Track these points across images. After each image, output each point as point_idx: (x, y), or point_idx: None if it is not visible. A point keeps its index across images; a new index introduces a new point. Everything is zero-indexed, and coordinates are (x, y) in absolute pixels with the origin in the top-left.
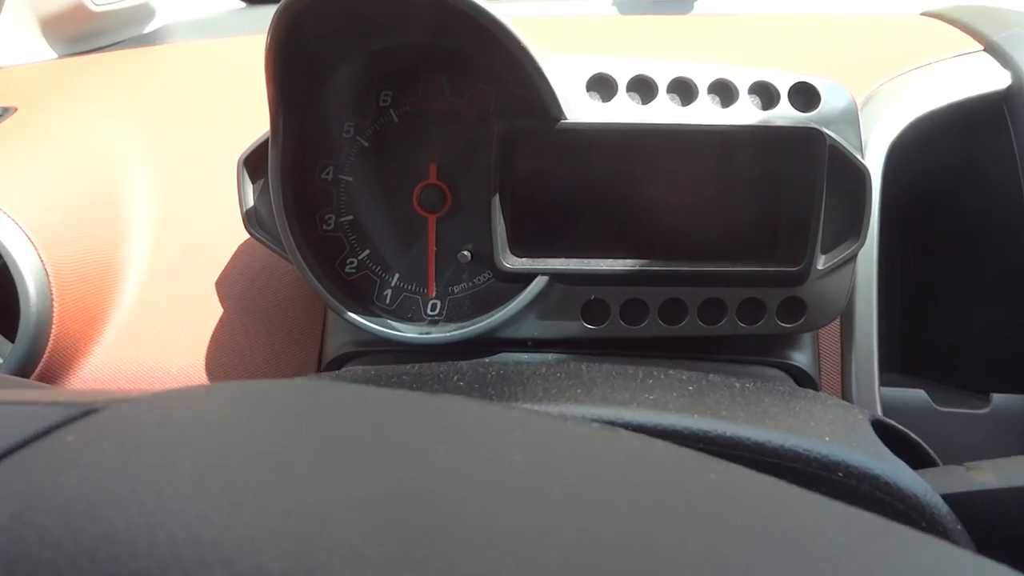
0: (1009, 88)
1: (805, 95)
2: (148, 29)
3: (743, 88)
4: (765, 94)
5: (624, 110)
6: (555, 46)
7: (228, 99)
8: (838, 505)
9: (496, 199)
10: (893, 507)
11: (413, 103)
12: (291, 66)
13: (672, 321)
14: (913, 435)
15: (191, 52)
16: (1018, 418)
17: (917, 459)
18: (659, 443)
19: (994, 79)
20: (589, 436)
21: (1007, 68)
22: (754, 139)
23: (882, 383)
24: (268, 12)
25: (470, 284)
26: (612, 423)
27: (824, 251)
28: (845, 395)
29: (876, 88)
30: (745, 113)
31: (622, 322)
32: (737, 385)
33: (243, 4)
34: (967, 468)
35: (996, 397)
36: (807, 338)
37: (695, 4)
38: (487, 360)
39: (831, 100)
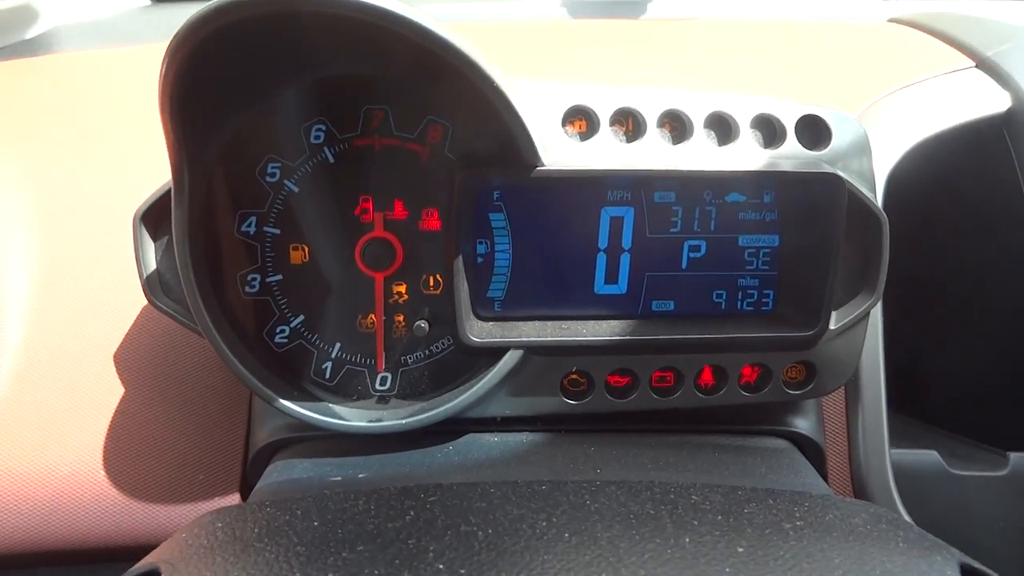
0: (1010, 110)
1: (813, 129)
2: (31, 34)
3: (743, 122)
4: (768, 129)
5: (607, 149)
6: (502, 53)
7: (128, 122)
8: None
9: (459, 261)
10: None
11: (352, 140)
12: (197, 104)
13: (665, 392)
14: None
15: (83, 63)
16: None
17: None
18: None
19: (992, 100)
20: None
21: (1006, 88)
22: (755, 180)
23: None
24: (180, 13)
25: (426, 353)
26: None
27: (834, 308)
28: (853, 461)
29: (866, 109)
30: (746, 151)
31: (608, 396)
32: (789, 528)
33: (148, 2)
34: None
35: (1014, 457)
36: (809, 401)
37: (648, 6)
38: (462, 490)
39: (841, 134)
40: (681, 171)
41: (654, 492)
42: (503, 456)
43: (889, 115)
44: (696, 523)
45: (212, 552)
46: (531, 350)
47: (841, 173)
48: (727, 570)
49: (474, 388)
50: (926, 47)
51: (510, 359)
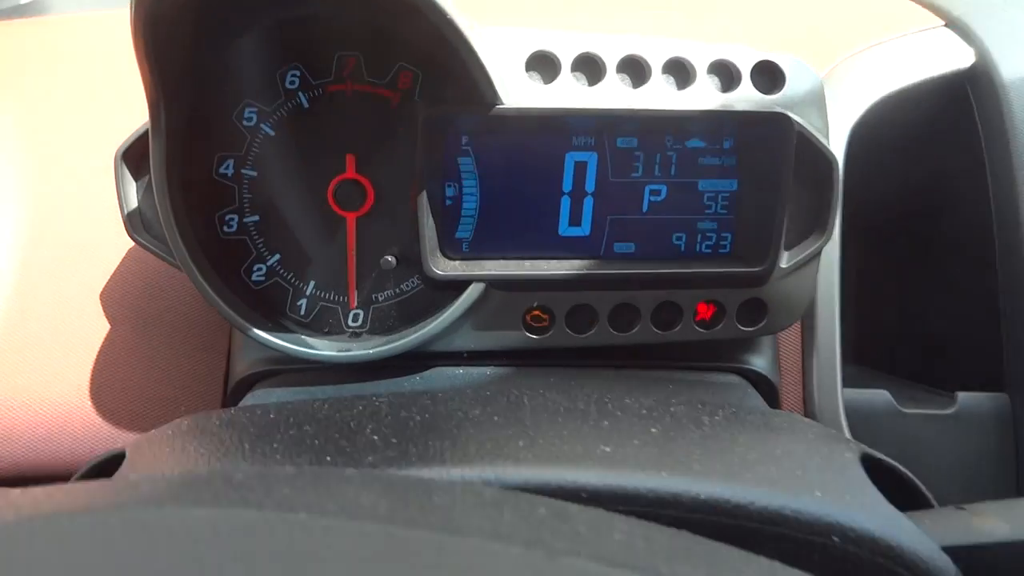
0: (973, 66)
1: (768, 75)
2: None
3: (701, 67)
4: (725, 74)
5: (568, 92)
6: (490, 13)
7: (118, 79)
8: None
9: (424, 196)
10: (890, 570)
11: (325, 85)
12: (169, 39)
13: (623, 327)
14: (903, 470)
15: (75, 24)
16: (985, 417)
17: (908, 495)
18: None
19: (957, 57)
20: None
21: (971, 45)
22: (713, 126)
23: (842, 377)
24: None
25: (396, 291)
26: (565, 490)
27: (787, 248)
28: (807, 399)
29: (834, 67)
30: (703, 95)
31: (568, 330)
32: (706, 420)
33: None
34: (969, 512)
35: (961, 396)
36: (766, 340)
37: None
38: (411, 394)
39: (796, 80)
40: (636, 110)
41: (590, 395)
42: (467, 385)
43: (857, 71)
44: (620, 414)
45: (174, 438)
46: (493, 284)
47: (791, 114)
48: (635, 442)
49: (438, 320)
50: (898, 6)
51: (472, 292)
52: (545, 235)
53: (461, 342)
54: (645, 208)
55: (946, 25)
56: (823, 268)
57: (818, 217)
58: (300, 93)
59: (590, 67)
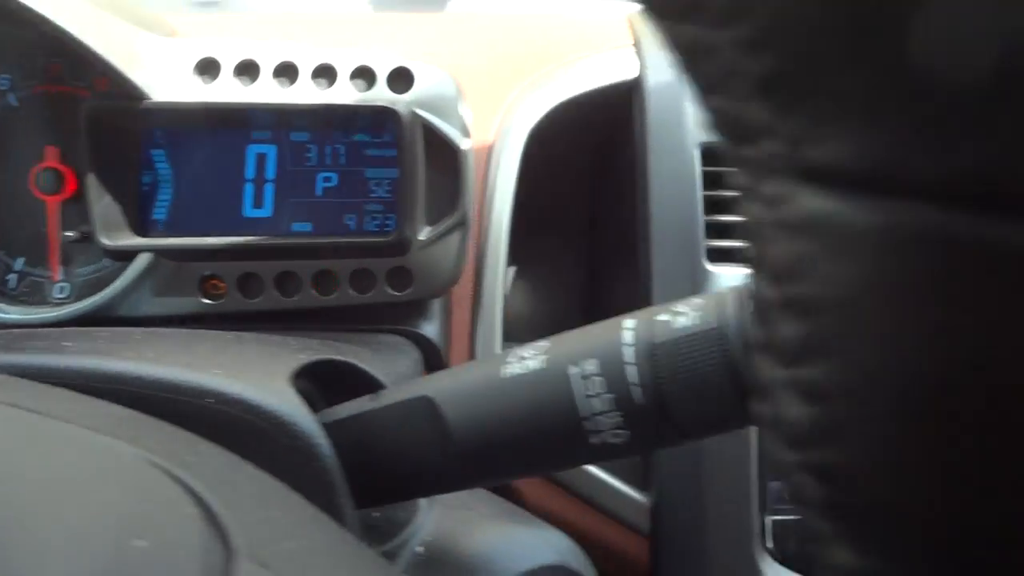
0: (637, 77)
1: (402, 79)
2: None
3: (344, 72)
4: (367, 77)
5: (227, 91)
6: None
7: None
8: None
9: (92, 177)
10: (259, 426)
11: (33, 87)
12: None
13: (288, 293)
14: (362, 366)
15: None
16: None
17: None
18: None
19: (631, 70)
20: None
21: (639, 59)
22: (337, 118)
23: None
24: None
25: (98, 267)
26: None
27: (431, 224)
28: (471, 356)
29: (534, 77)
30: (343, 94)
31: (240, 295)
32: (212, 337)
33: None
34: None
35: None
36: (436, 308)
37: (448, 3)
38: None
39: (427, 83)
40: (275, 104)
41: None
42: None
43: (546, 82)
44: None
45: None
46: (160, 253)
47: (419, 111)
48: (100, 343)
49: (113, 285)
50: (615, 31)
51: (140, 260)
52: (233, 216)
53: (146, 307)
54: (319, 192)
55: (633, 45)
56: (490, 249)
57: (454, 199)
58: (10, 94)
59: (250, 70)
